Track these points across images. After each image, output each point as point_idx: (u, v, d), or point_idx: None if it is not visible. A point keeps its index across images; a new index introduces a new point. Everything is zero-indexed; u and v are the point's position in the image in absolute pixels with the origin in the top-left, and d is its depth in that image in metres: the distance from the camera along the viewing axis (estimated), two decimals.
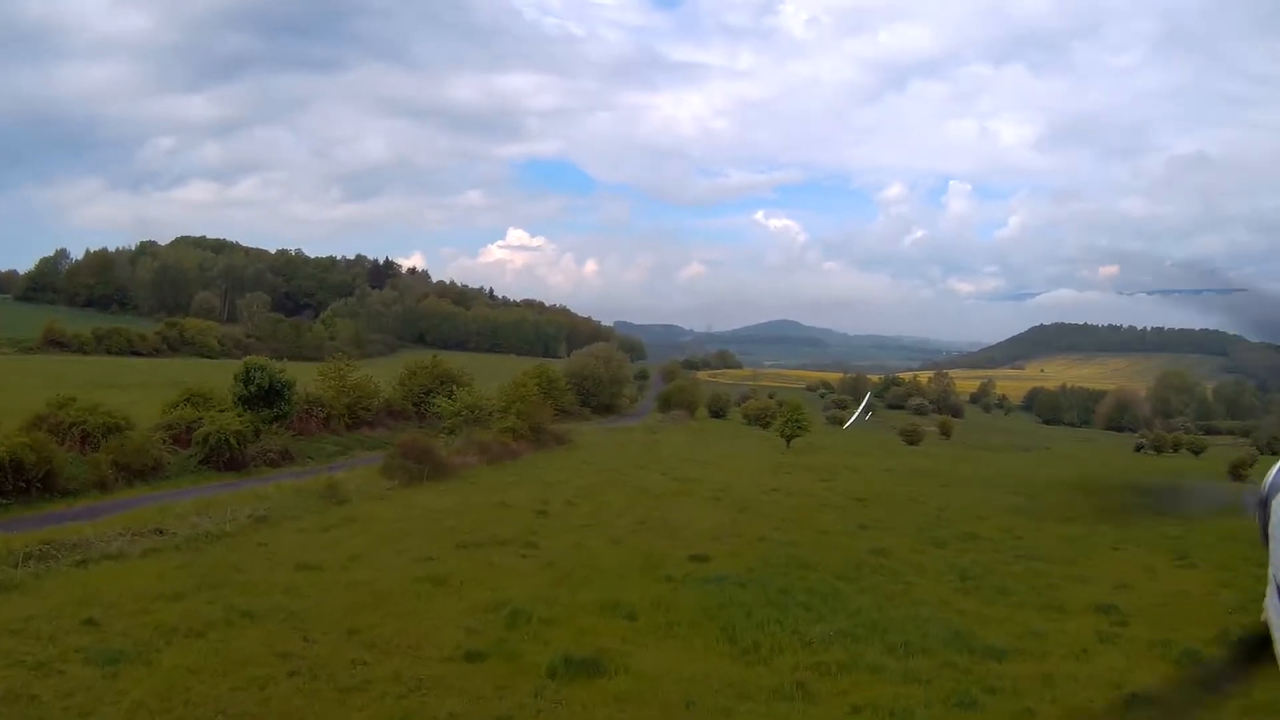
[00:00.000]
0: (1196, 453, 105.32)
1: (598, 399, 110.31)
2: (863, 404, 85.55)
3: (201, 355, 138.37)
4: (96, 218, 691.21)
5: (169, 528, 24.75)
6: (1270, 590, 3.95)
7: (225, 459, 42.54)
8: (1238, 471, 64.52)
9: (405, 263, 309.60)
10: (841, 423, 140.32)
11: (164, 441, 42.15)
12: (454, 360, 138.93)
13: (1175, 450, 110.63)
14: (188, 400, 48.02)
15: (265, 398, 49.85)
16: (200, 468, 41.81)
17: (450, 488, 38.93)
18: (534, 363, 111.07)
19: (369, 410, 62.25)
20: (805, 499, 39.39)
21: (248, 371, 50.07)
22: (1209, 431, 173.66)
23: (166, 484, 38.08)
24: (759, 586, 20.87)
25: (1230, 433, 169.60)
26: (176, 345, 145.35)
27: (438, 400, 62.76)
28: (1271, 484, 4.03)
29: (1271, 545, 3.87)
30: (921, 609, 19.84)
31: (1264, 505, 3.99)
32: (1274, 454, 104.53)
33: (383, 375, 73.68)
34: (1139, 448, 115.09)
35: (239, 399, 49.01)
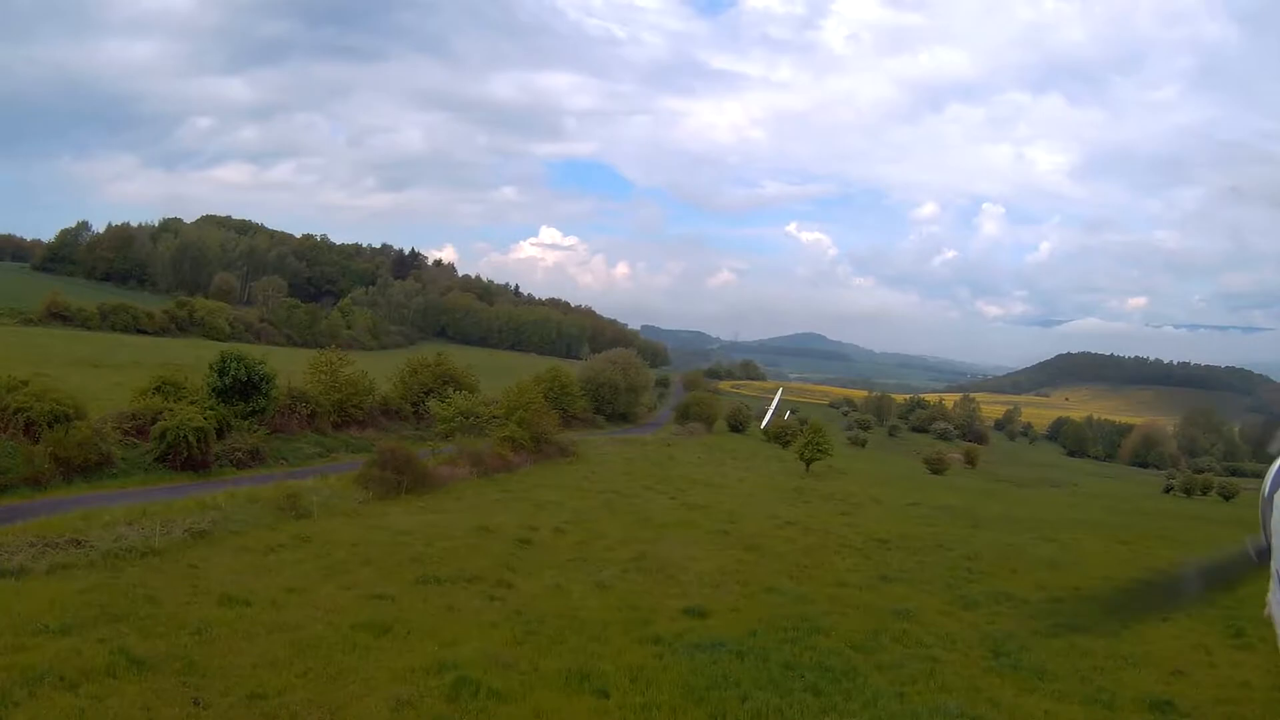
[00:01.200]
0: (1228, 498, 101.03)
1: (613, 406, 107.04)
2: (774, 402, 78.39)
3: (210, 337, 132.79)
4: (132, 193, 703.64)
5: (89, 539, 21.56)
6: (1272, 584, 4.70)
7: (184, 458, 39.01)
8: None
9: (435, 254, 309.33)
10: (863, 444, 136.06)
11: (121, 434, 38.82)
12: (469, 356, 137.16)
13: (1205, 493, 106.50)
14: (158, 389, 44.68)
15: (242, 390, 46.68)
16: (156, 466, 38.33)
17: (429, 503, 35.84)
18: (554, 363, 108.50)
19: (361, 409, 59.06)
20: (822, 537, 35.92)
21: (223, 361, 46.78)
22: (1234, 473, 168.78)
23: (112, 483, 34.76)
24: (760, 658, 17.57)
25: (1257, 475, 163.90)
26: (185, 325, 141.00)
27: (430, 403, 59.55)
28: (1272, 481, 4.72)
29: (1273, 541, 4.56)
30: (949, 698, 16.47)
31: (1267, 503, 4.71)
32: None
33: (393, 370, 70.91)
34: (1168, 489, 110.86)
35: (213, 390, 45.86)
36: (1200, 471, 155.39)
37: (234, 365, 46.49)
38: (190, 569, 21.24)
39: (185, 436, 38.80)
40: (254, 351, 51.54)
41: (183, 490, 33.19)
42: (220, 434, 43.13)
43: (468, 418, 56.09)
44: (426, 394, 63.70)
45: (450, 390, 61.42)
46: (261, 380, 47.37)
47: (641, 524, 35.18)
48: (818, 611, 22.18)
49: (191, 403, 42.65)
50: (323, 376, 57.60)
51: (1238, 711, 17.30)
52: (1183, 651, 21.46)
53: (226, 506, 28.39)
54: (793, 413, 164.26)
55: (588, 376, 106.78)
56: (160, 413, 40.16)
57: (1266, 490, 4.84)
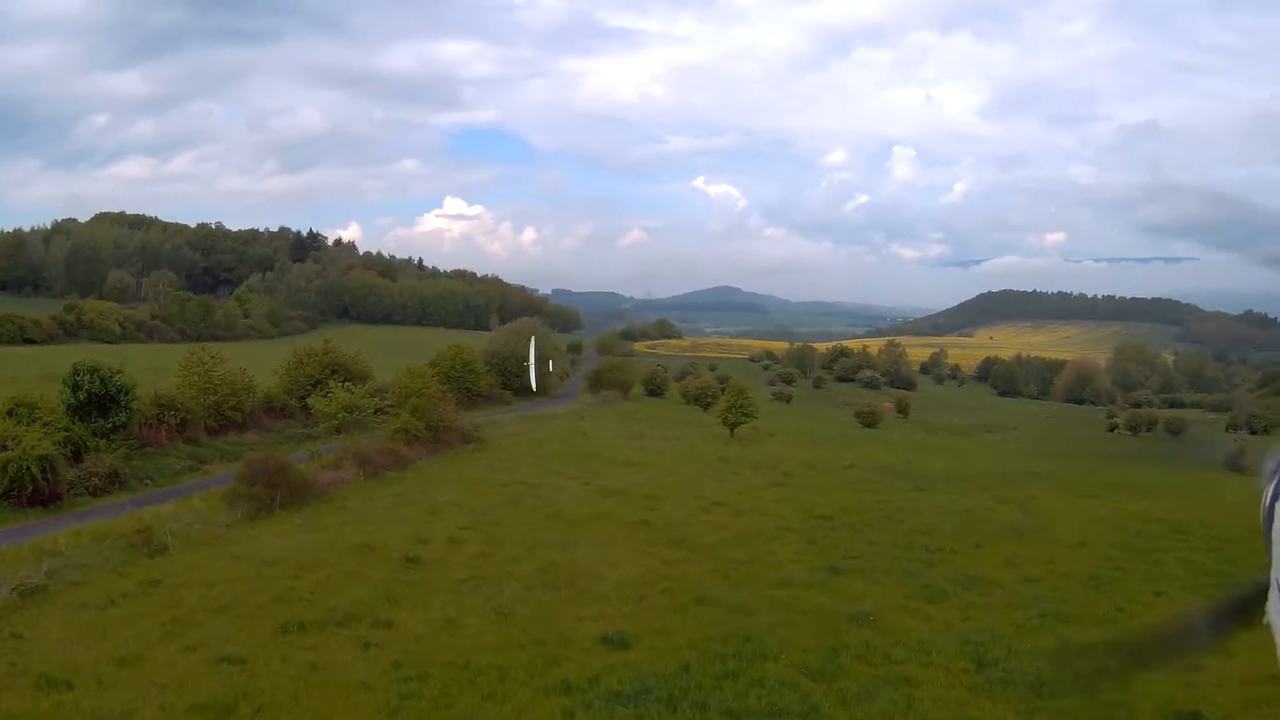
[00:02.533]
0: (1176, 433, 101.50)
1: (521, 380, 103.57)
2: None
3: (101, 340, 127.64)
4: (35, 198, 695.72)
5: None
6: (1272, 593, 4.79)
7: (29, 493, 34.24)
8: (1236, 463, 59.58)
9: (341, 233, 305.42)
10: (788, 399, 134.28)
11: None
12: (373, 336, 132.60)
13: (1150, 430, 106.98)
14: (10, 411, 39.70)
15: (100, 405, 42.40)
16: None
17: (308, 518, 32.29)
18: (457, 338, 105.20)
19: (240, 410, 54.74)
20: (756, 519, 33.16)
21: (76, 374, 42.36)
22: (1173, 405, 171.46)
23: None
24: (697, 706, 14.86)
25: (1196, 405, 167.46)
26: (74, 331, 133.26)
27: (311, 400, 55.78)
28: (1273, 492, 4.77)
29: (1274, 550, 4.60)
30: None
31: (1269, 513, 4.78)
32: (1252, 431, 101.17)
33: (287, 359, 66.81)
34: (1112, 428, 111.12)
35: (69, 409, 41.62)
36: (1138, 406, 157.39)
37: (88, 378, 42.06)
38: (13, 640, 17.74)
39: (28, 468, 34.31)
40: (142, 353, 47.38)
41: (26, 532, 29.02)
42: (78, 458, 38.93)
43: (351, 412, 52.49)
44: (315, 385, 59.70)
45: (337, 381, 57.58)
46: (120, 392, 43.11)
47: (551, 521, 32.05)
48: (761, 626, 19.37)
49: (44, 425, 38.13)
50: (194, 378, 53.27)
51: (1276, 715, 15.18)
52: None
53: (69, 550, 24.60)
54: (711, 369, 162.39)
55: (492, 350, 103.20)
56: (6, 441, 35.51)
57: (1267, 501, 4.92)
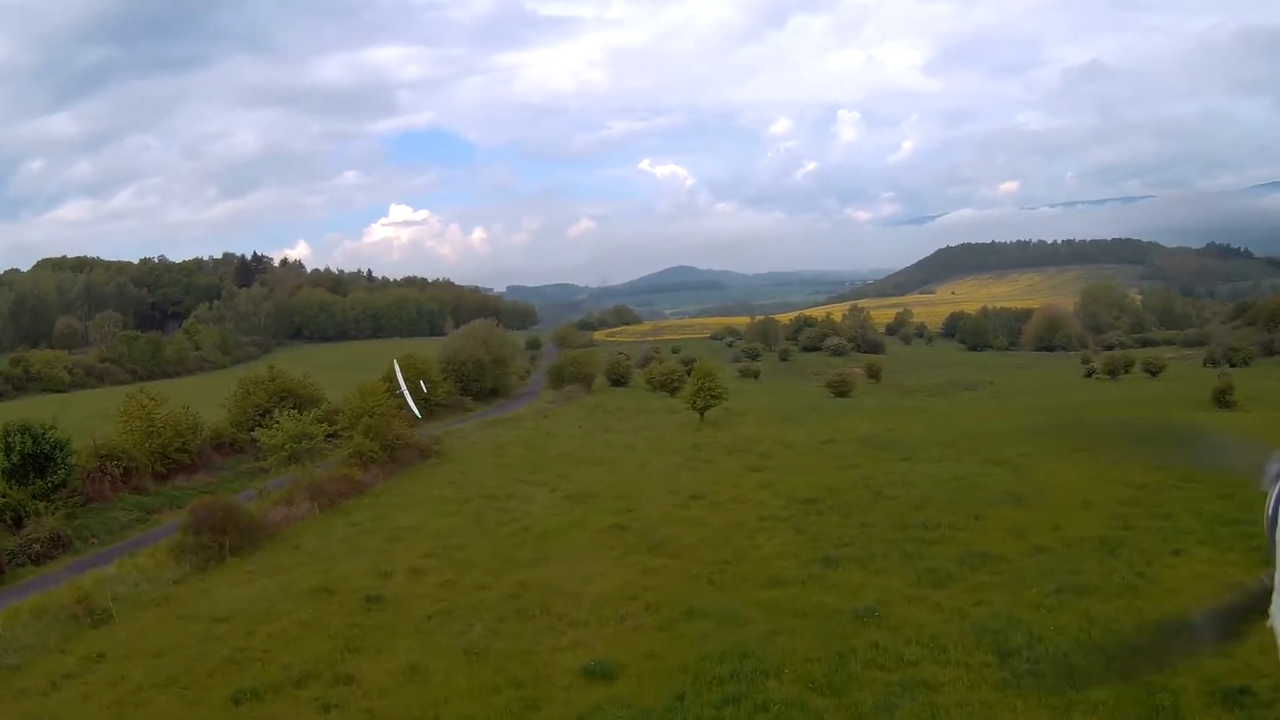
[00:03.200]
0: (1154, 373, 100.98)
1: (480, 384, 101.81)
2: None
3: (51, 390, 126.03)
4: None
5: None
6: (1276, 595, 4.81)
7: None
8: (1223, 398, 59.07)
9: (289, 253, 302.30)
10: (756, 375, 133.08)
11: None
12: (327, 354, 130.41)
13: (1128, 371, 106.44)
14: None
15: (37, 465, 40.63)
16: None
17: (260, 564, 30.78)
18: (409, 348, 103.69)
19: (187, 451, 52.80)
20: (737, 510, 31.78)
21: (6, 436, 40.62)
22: (1146, 344, 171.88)
23: None
24: None
25: (1169, 343, 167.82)
26: (23, 384, 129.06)
27: (258, 434, 53.95)
28: (1276, 498, 4.79)
29: (1278, 553, 4.67)
30: None
31: (1273, 519, 4.83)
32: (1231, 364, 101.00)
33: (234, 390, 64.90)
34: (1090, 373, 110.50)
35: (3, 473, 39.82)
36: (1110, 348, 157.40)
37: (19, 439, 40.48)
38: None
39: None
40: (92, 399, 45.68)
41: None
42: (18, 524, 37.35)
43: (301, 441, 50.83)
44: (264, 416, 57.80)
45: (287, 408, 55.91)
46: (55, 448, 41.41)
47: (519, 537, 30.63)
48: (757, 637, 18.01)
49: None
50: (136, 423, 51.32)
51: None
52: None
53: (7, 632, 23.07)
54: (674, 352, 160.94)
55: (446, 357, 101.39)
56: None
57: (1270, 509, 4.94)
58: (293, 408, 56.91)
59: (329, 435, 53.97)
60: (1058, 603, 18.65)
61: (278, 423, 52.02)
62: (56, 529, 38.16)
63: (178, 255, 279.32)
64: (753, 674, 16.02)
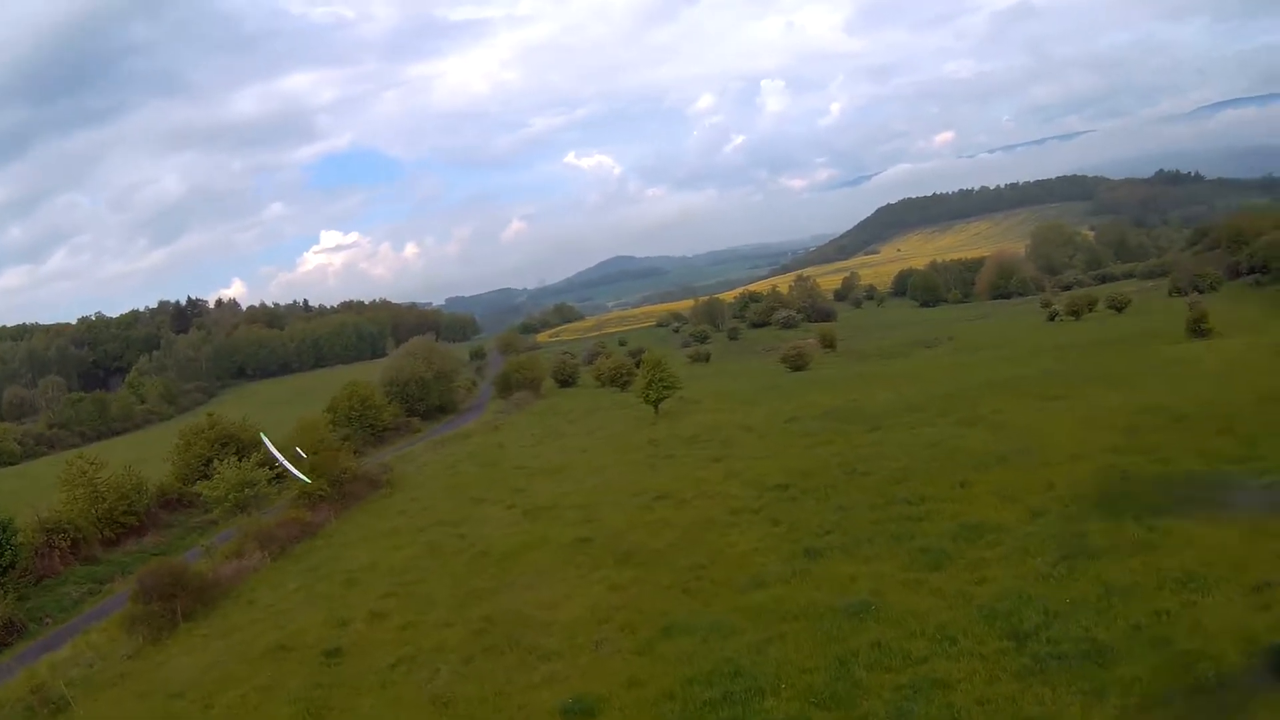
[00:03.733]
0: (1120, 309, 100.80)
1: (425, 403, 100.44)
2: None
3: (4, 464, 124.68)
4: None
5: None
6: None
7: None
8: (1199, 326, 58.68)
9: (224, 293, 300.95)
10: (707, 358, 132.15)
11: None
12: (271, 390, 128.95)
13: (1091, 309, 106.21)
14: None
15: None
16: None
17: (215, 625, 29.59)
18: (350, 376, 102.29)
19: (135, 513, 51.27)
20: (705, 507, 30.61)
21: None
22: (1104, 280, 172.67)
23: None
24: None
25: (1129, 276, 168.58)
26: None
27: (199, 487, 52.58)
28: None
29: None
30: None
31: None
32: (1198, 290, 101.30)
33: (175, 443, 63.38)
34: (1053, 316, 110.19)
35: None
36: (1069, 288, 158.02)
37: None
38: None
39: None
40: (48, 467, 44.77)
41: None
42: None
43: (244, 489, 49.40)
44: (207, 465, 56.26)
45: (230, 455, 54.58)
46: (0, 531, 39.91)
47: (478, 564, 29.35)
48: (747, 649, 16.89)
49: None
50: (78, 491, 49.80)
51: None
52: (1245, 549, 16.87)
53: None
54: (621, 344, 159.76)
55: (389, 379, 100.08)
56: None
57: None
58: (235, 454, 55.52)
59: (274, 478, 52.66)
60: (1067, 571, 17.69)
61: (218, 473, 50.70)
62: (8, 615, 37.02)
63: (116, 309, 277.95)
64: (747, 694, 14.91)
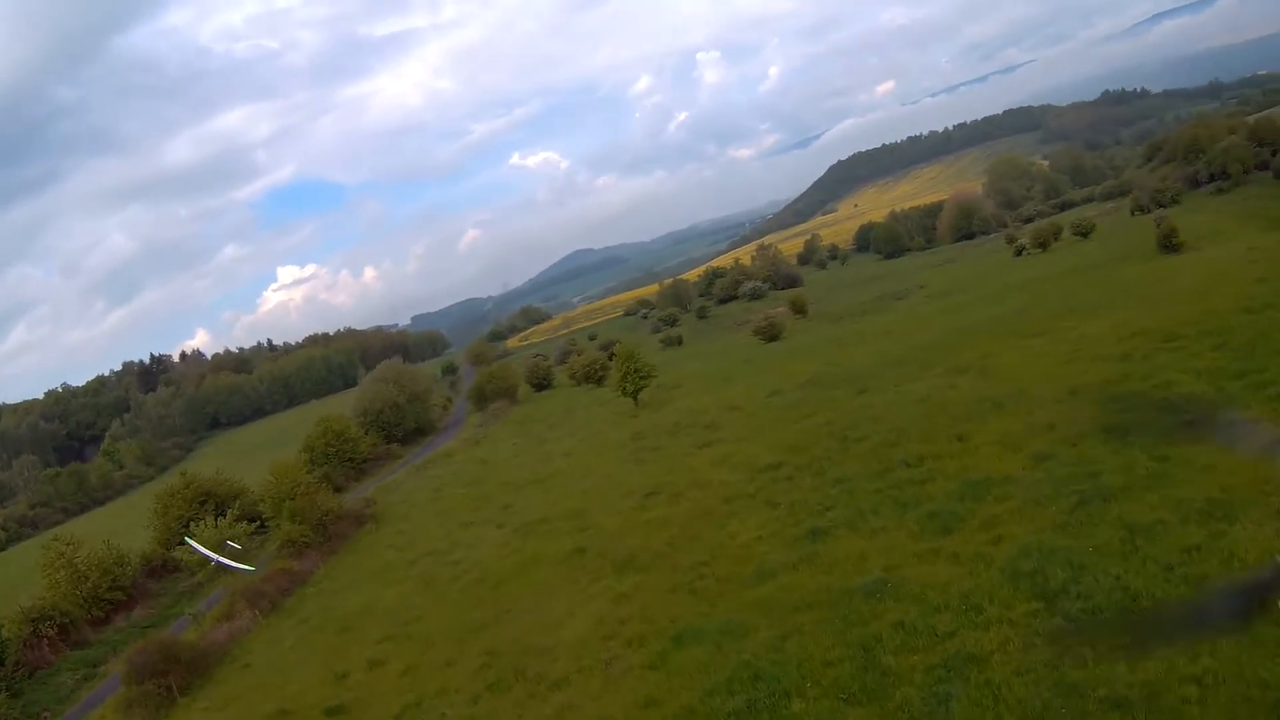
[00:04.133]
0: (1085, 234, 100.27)
1: (402, 428, 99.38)
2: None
3: None
4: None
5: None
6: None
7: None
8: (1169, 242, 58.27)
9: (189, 344, 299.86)
10: (679, 341, 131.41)
11: None
12: (249, 435, 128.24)
13: (1058, 238, 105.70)
14: None
15: None
16: None
17: (213, 696, 28.99)
18: (324, 412, 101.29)
19: (121, 587, 50.25)
20: (699, 498, 29.83)
21: None
22: (1065, 207, 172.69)
23: None
24: None
25: (1088, 200, 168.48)
26: None
27: (177, 552, 51.71)
28: None
29: None
30: None
31: None
32: (1160, 205, 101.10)
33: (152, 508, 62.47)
34: (1020, 251, 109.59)
35: None
36: (1030, 220, 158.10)
37: None
38: None
39: None
40: (31, 551, 44.46)
41: None
42: None
43: (224, 548, 48.59)
44: (188, 525, 55.26)
45: (209, 513, 53.84)
46: None
47: (475, 592, 28.60)
48: (764, 648, 16.12)
49: None
50: (59, 574, 48.79)
51: None
52: (1264, 468, 16.14)
53: None
54: (591, 339, 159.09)
55: (362, 408, 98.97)
56: None
57: None
58: (214, 510, 54.73)
59: (256, 530, 52.30)
60: (1086, 517, 16.97)
61: (195, 536, 49.85)
62: (3, 716, 36.11)
63: (83, 377, 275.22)
64: (772, 698, 14.13)
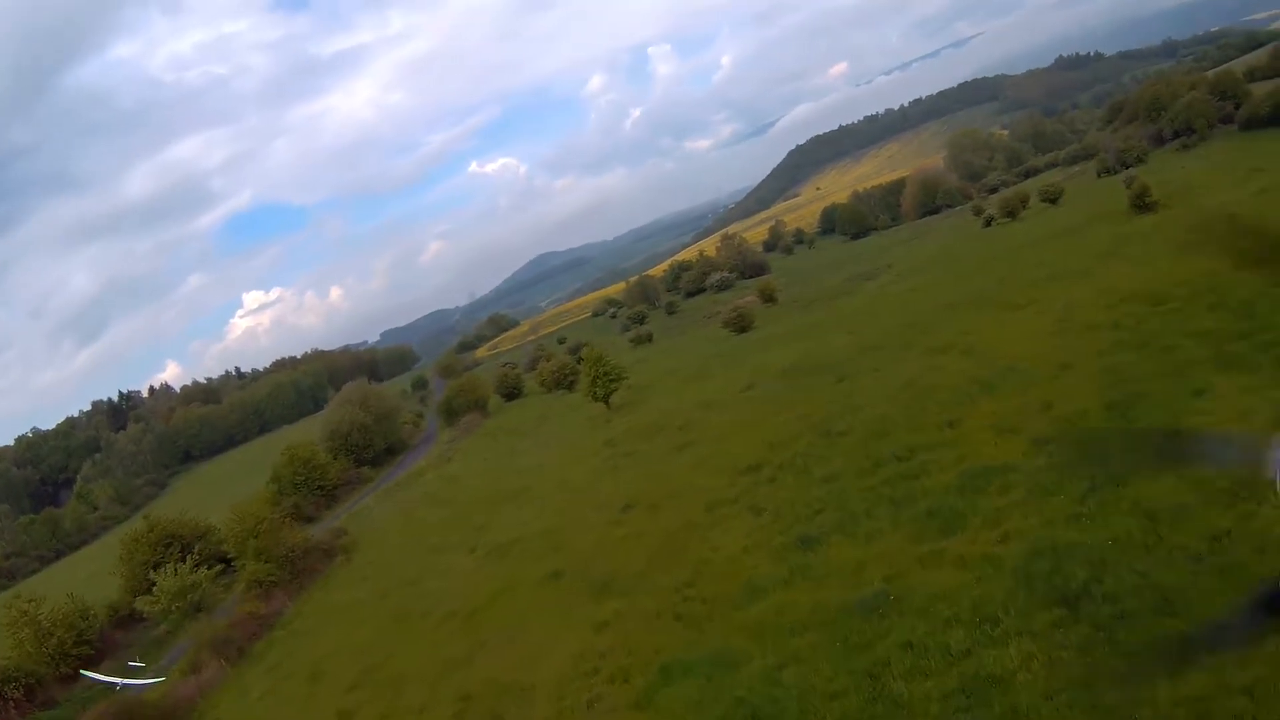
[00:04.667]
0: (1054, 200, 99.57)
1: (373, 450, 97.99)
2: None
3: None
4: None
5: None
6: None
7: None
8: (1143, 201, 57.33)
9: (159, 378, 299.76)
10: (649, 338, 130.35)
11: None
12: (223, 466, 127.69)
13: (1026, 206, 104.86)
14: None
15: None
16: None
17: None
18: (291, 439, 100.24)
19: (88, 642, 48.92)
20: (679, 508, 28.32)
21: None
22: (1029, 175, 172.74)
23: None
24: None
25: (1052, 165, 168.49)
26: None
27: (139, 602, 50.32)
28: None
29: None
30: None
31: None
32: (1126, 166, 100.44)
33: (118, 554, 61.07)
34: (988, 222, 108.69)
35: None
36: (995, 190, 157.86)
37: None
38: None
39: None
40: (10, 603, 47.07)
41: None
42: None
43: (186, 595, 47.52)
44: (156, 569, 53.85)
45: (173, 556, 52.45)
46: None
47: (448, 626, 27.25)
48: (759, 680, 14.75)
49: None
50: (23, 633, 47.44)
51: None
52: None
53: None
54: (560, 342, 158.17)
55: (329, 432, 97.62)
56: None
57: None
58: (180, 552, 53.55)
59: (223, 570, 51.62)
60: (1099, 505, 15.63)
61: (159, 586, 48.46)
62: None
63: (55, 419, 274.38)
64: None
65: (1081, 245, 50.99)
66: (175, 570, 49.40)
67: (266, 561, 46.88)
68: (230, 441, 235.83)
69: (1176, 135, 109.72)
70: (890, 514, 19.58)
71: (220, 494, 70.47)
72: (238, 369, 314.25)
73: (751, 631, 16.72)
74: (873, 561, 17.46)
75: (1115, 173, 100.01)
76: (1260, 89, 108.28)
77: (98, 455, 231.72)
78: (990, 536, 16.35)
